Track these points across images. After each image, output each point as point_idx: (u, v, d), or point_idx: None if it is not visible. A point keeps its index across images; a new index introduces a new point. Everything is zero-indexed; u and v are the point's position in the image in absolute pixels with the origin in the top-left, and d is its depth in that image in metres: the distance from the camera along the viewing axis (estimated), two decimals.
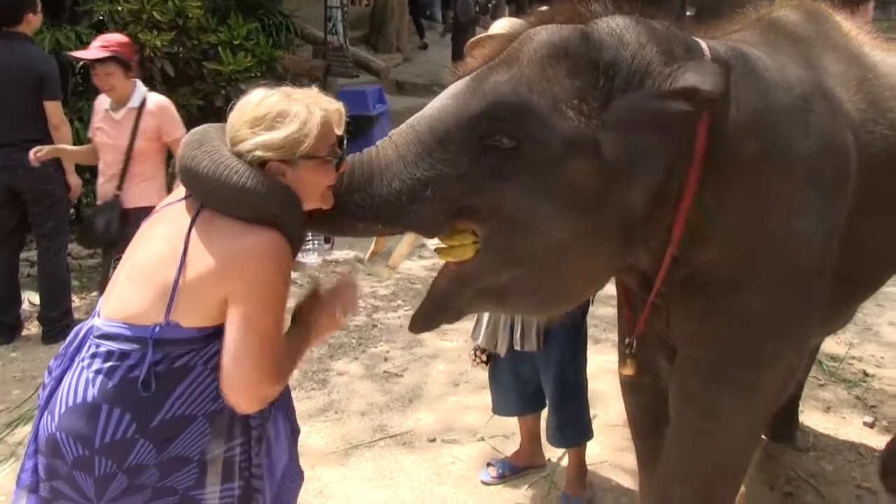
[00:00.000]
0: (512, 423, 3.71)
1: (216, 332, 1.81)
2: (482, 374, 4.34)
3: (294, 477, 2.14)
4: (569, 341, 3.09)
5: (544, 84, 1.91)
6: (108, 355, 1.79)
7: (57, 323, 4.85)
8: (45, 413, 1.84)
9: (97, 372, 1.79)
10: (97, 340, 1.82)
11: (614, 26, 1.99)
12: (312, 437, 3.77)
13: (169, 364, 1.79)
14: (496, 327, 3.11)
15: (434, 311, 2.13)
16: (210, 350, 1.83)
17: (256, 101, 1.82)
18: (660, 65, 1.94)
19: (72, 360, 1.86)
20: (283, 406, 2.08)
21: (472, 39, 2.99)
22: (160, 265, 1.80)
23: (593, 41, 1.96)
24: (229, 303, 1.79)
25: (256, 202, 1.77)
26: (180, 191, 1.93)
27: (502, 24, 2.85)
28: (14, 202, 4.78)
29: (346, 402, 4.14)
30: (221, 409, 1.85)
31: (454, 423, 3.94)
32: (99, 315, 1.88)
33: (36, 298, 5.11)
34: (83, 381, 1.80)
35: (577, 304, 2.25)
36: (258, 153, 1.79)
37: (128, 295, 1.84)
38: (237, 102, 1.87)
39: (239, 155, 1.80)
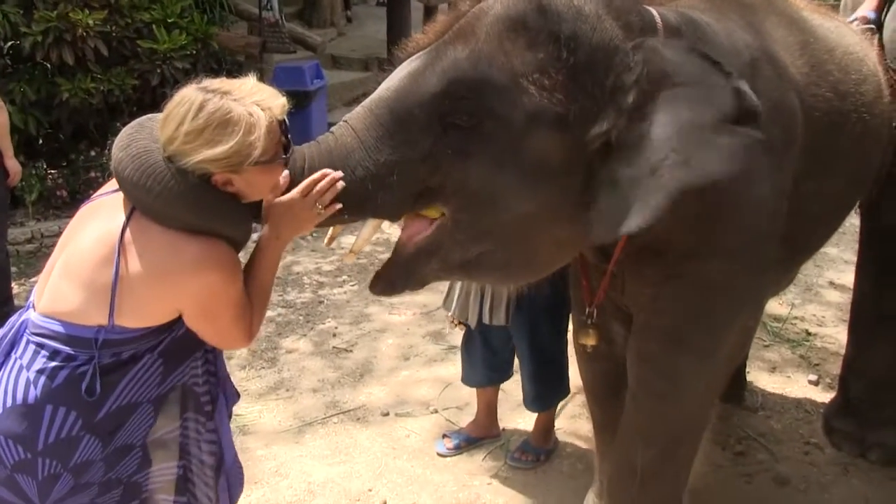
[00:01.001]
0: (465, 394, 3.75)
1: (164, 327, 1.78)
2: (433, 348, 4.42)
3: (239, 477, 2.13)
4: (544, 312, 3.10)
5: (503, 58, 1.89)
6: (53, 355, 1.73)
7: None
8: None
9: (39, 372, 1.72)
10: (37, 338, 1.75)
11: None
12: (265, 416, 3.75)
13: (116, 358, 1.74)
14: (467, 299, 3.12)
15: (398, 277, 2.09)
16: (157, 340, 1.79)
17: (192, 109, 1.66)
18: (621, 40, 1.94)
19: (6, 356, 1.79)
20: (224, 388, 2.05)
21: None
22: (96, 265, 1.71)
23: (551, 13, 1.93)
24: (183, 314, 1.77)
25: (185, 217, 1.70)
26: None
27: None
28: None
29: (296, 379, 4.13)
30: (167, 391, 1.82)
31: (407, 396, 3.95)
32: (34, 308, 1.81)
33: None
34: (23, 381, 1.72)
35: (545, 274, 2.25)
36: (203, 165, 1.67)
37: (64, 291, 1.75)
38: (169, 102, 1.72)
39: (173, 162, 1.68)
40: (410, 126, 1.91)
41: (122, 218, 1.72)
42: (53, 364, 1.72)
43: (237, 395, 2.14)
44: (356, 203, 1.91)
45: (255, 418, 3.73)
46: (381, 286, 2.13)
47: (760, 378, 4.08)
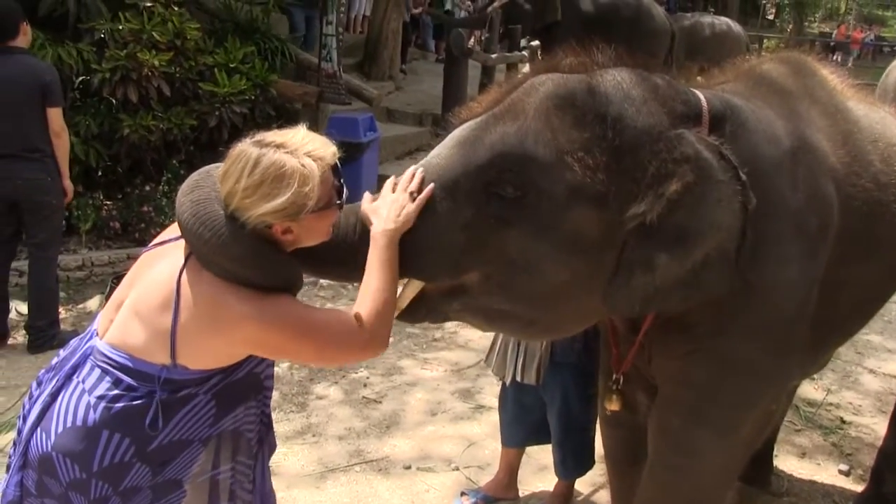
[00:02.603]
0: (487, 454, 3.76)
1: (224, 368, 1.84)
2: (460, 405, 4.43)
3: None
4: (574, 377, 3.12)
5: (550, 135, 1.97)
6: (115, 384, 1.79)
7: (43, 333, 4.85)
8: (39, 430, 1.82)
9: (100, 398, 1.78)
10: (103, 366, 1.81)
11: (620, 80, 2.06)
12: (289, 459, 3.79)
13: (172, 395, 1.80)
14: (505, 354, 3.16)
15: (421, 306, 2.14)
16: (212, 382, 1.84)
17: (248, 165, 1.74)
18: (666, 126, 2.02)
19: (68, 379, 1.85)
20: (267, 442, 2.10)
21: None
22: (158, 308, 1.78)
23: (599, 95, 2.02)
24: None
25: (231, 268, 1.75)
26: None
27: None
28: (10, 212, 4.82)
29: (324, 425, 4.16)
30: (218, 433, 1.87)
31: (430, 451, 3.96)
32: (99, 335, 1.87)
33: (24, 308, 5.12)
34: (83, 404, 1.79)
35: (563, 336, 2.32)
36: (265, 218, 1.75)
37: (132, 329, 1.82)
38: (227, 158, 1.79)
39: (235, 218, 1.75)
40: (456, 194, 1.98)
41: (182, 261, 1.80)
42: (115, 392, 1.79)
43: (274, 446, 2.18)
44: (400, 264, 1.97)
45: (280, 460, 3.76)
46: (404, 314, 2.18)
47: (788, 463, 4.01)
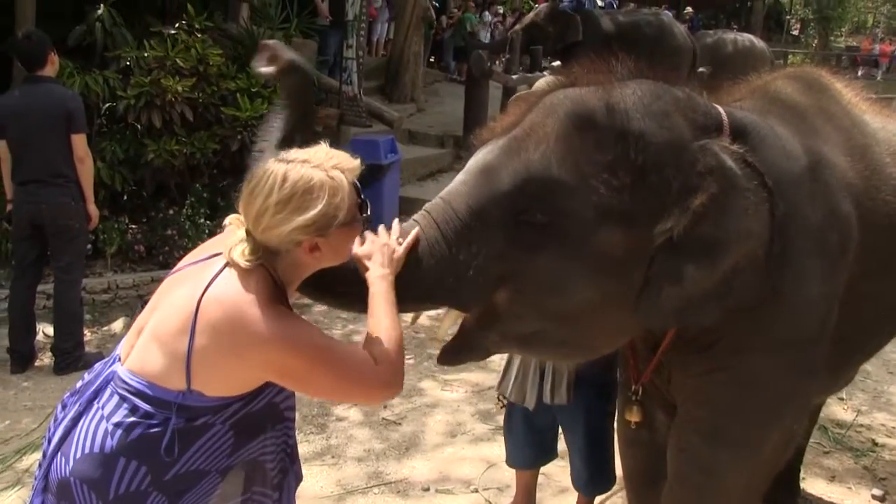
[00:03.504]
0: (507, 476, 3.74)
1: (240, 397, 1.83)
2: (480, 427, 4.42)
3: None
4: (598, 394, 3.10)
5: (573, 159, 1.97)
6: (133, 411, 1.78)
7: (68, 355, 4.93)
8: (59, 454, 1.82)
9: (117, 425, 1.77)
10: (122, 392, 1.81)
11: (640, 95, 2.06)
12: (308, 481, 3.77)
13: (189, 423, 1.79)
14: (524, 381, 3.13)
15: (463, 348, 2.17)
16: (229, 411, 1.83)
17: (278, 181, 1.74)
18: (689, 139, 2.03)
19: (90, 404, 1.85)
20: (293, 462, 2.08)
21: (514, 97, 3.06)
22: (176, 333, 1.77)
23: (619, 112, 2.02)
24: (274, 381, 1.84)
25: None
26: (207, 248, 1.92)
27: (544, 83, 2.94)
28: (36, 235, 4.93)
29: (343, 447, 4.18)
30: (235, 464, 1.86)
31: (449, 473, 3.96)
32: (121, 361, 1.87)
33: (50, 330, 5.20)
34: (101, 430, 1.78)
35: (600, 355, 2.33)
36: (293, 235, 1.75)
37: (150, 355, 1.81)
38: (251, 179, 1.80)
39: (266, 241, 1.77)
40: (486, 223, 1.99)
41: (203, 287, 1.78)
42: (132, 419, 1.78)
43: (301, 477, 2.16)
44: (436, 294, 2.01)
45: None
46: (446, 357, 2.22)
47: (816, 486, 3.92)
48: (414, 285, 1.97)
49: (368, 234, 2.00)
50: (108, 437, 1.77)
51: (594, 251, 1.98)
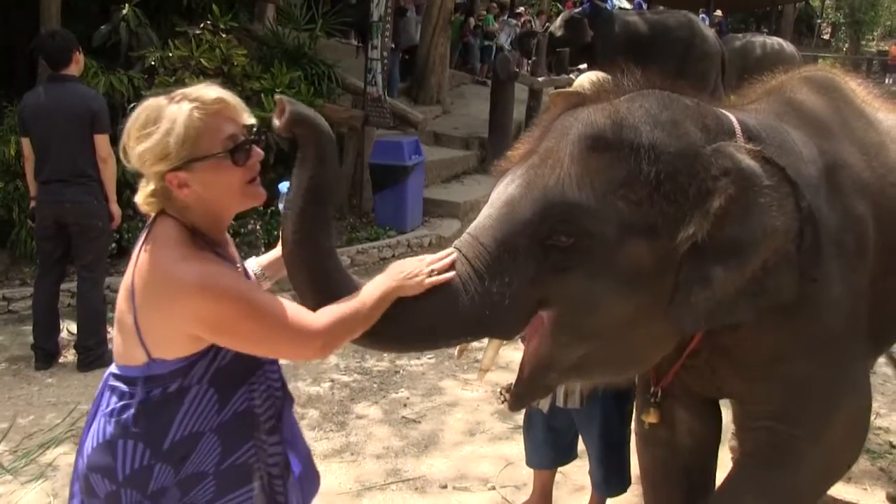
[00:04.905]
0: (524, 474, 3.73)
1: (202, 353, 1.83)
2: (499, 425, 4.41)
3: (312, 479, 2.16)
4: (614, 396, 3.10)
5: (589, 179, 1.99)
6: (120, 397, 1.84)
7: (91, 352, 5.00)
8: (79, 456, 1.90)
9: (111, 413, 1.83)
10: (110, 383, 1.88)
11: (648, 107, 2.08)
12: (327, 478, 3.77)
13: (164, 390, 1.82)
14: None
15: (527, 391, 2.20)
16: (199, 370, 1.84)
17: (138, 109, 1.78)
18: (700, 144, 2.04)
19: (98, 406, 1.91)
20: (287, 412, 2.09)
21: (554, 93, 3.08)
22: (126, 309, 1.80)
23: (628, 127, 2.03)
24: (207, 337, 1.80)
25: None
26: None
27: (587, 79, 2.95)
28: (60, 234, 4.99)
29: (362, 444, 4.19)
30: (228, 418, 1.88)
31: (467, 471, 3.96)
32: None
33: (74, 327, 5.27)
34: (102, 423, 1.85)
35: (649, 366, 2.36)
36: (149, 168, 1.76)
37: (118, 340, 1.87)
38: None
39: (139, 172, 1.79)
40: (515, 253, 1.99)
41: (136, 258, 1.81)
42: (121, 403, 1.83)
43: (293, 400, 2.15)
44: (477, 327, 2.01)
45: None
46: (515, 403, 2.26)
47: (833, 487, 3.88)
48: (453, 322, 1.99)
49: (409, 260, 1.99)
50: (108, 426, 1.83)
51: (622, 266, 2.00)
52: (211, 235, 1.88)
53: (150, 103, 1.79)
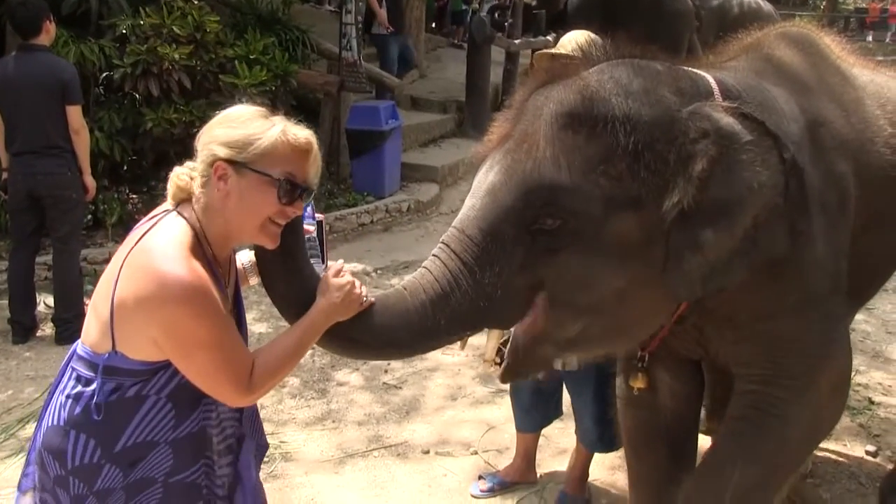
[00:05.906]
0: (506, 437, 3.76)
1: (164, 365, 1.80)
2: (480, 390, 4.43)
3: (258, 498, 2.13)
4: (604, 357, 3.11)
5: (567, 159, 1.96)
6: (78, 380, 1.82)
7: (69, 324, 4.93)
8: (37, 430, 1.89)
9: (67, 397, 1.81)
10: (72, 364, 1.85)
11: (618, 78, 2.04)
12: (308, 445, 3.82)
13: (122, 394, 1.79)
14: None
15: (520, 365, 2.17)
16: (159, 381, 1.81)
17: (240, 108, 1.84)
18: (676, 108, 2.01)
19: (60, 377, 1.89)
20: (249, 425, 2.08)
21: (538, 53, 3.07)
22: (105, 295, 1.77)
23: (599, 101, 2.00)
24: (160, 347, 1.77)
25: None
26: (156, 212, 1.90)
27: (571, 39, 2.92)
28: (33, 207, 4.93)
29: (344, 411, 4.20)
30: (183, 436, 1.86)
31: (449, 436, 3.98)
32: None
33: (51, 301, 5.21)
34: (59, 403, 1.83)
35: (645, 337, 2.36)
36: (212, 147, 1.78)
37: (90, 323, 1.84)
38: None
39: (199, 155, 1.81)
40: (502, 242, 1.98)
41: (132, 244, 1.79)
42: (77, 389, 1.81)
43: (265, 446, 2.20)
44: (474, 320, 2.00)
45: (299, 446, 3.80)
46: (509, 376, 2.23)
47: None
48: (449, 319, 1.97)
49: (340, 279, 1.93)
50: (62, 409, 1.82)
51: (610, 241, 1.98)
52: (214, 249, 1.86)
53: (256, 110, 1.84)
